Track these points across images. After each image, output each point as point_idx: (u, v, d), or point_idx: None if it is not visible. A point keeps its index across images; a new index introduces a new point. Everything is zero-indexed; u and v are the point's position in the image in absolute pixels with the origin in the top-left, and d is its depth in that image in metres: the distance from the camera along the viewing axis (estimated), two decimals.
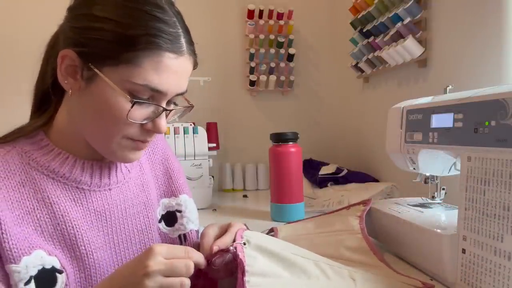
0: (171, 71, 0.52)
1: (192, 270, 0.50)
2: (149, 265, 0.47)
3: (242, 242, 0.57)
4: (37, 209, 0.54)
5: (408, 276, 0.72)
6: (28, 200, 0.54)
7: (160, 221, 0.69)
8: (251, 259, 0.55)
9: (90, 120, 0.55)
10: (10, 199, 0.52)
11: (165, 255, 0.49)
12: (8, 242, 0.49)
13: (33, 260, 0.50)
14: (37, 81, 0.62)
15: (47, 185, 0.55)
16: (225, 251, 0.56)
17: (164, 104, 0.55)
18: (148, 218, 0.66)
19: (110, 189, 0.61)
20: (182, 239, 0.70)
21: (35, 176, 0.55)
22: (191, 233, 0.70)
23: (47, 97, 0.60)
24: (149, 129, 0.55)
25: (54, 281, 0.52)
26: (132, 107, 0.51)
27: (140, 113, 0.53)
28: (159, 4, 0.52)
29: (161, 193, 0.71)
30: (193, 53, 0.56)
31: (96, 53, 0.51)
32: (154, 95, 0.53)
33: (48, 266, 0.52)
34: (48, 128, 0.59)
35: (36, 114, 0.61)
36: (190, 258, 0.51)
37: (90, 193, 0.59)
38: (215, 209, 1.46)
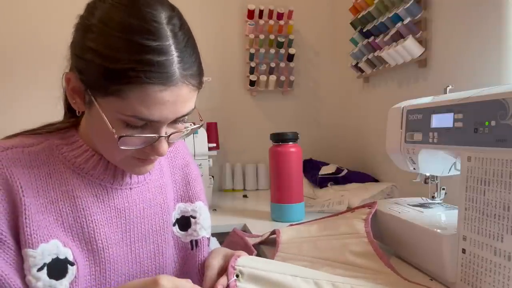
0: (160, 102, 0.49)
1: None
2: None
3: (234, 275, 0.56)
4: (60, 200, 0.56)
5: (415, 282, 0.71)
6: (53, 191, 0.56)
7: (174, 225, 0.70)
8: None
9: (95, 138, 0.58)
10: (37, 187, 0.55)
11: None
12: (29, 227, 0.52)
13: (49, 248, 0.53)
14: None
15: (72, 179, 0.58)
16: None
17: (163, 129, 0.53)
18: (163, 220, 0.67)
19: (131, 188, 0.63)
20: (194, 245, 0.70)
21: (62, 169, 0.58)
22: (202, 240, 0.71)
23: None
24: (148, 152, 0.55)
25: (65, 271, 0.54)
26: (119, 140, 0.51)
27: (134, 140, 0.53)
28: (152, 28, 0.48)
29: (178, 198, 0.72)
30: (190, 77, 0.51)
31: (89, 82, 0.51)
32: (149, 122, 0.52)
33: (62, 257, 0.54)
34: (79, 126, 0.62)
35: (68, 114, 0.65)
36: None
37: (112, 191, 0.61)
38: (215, 209, 1.46)
